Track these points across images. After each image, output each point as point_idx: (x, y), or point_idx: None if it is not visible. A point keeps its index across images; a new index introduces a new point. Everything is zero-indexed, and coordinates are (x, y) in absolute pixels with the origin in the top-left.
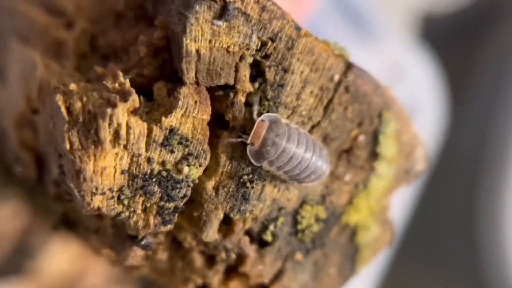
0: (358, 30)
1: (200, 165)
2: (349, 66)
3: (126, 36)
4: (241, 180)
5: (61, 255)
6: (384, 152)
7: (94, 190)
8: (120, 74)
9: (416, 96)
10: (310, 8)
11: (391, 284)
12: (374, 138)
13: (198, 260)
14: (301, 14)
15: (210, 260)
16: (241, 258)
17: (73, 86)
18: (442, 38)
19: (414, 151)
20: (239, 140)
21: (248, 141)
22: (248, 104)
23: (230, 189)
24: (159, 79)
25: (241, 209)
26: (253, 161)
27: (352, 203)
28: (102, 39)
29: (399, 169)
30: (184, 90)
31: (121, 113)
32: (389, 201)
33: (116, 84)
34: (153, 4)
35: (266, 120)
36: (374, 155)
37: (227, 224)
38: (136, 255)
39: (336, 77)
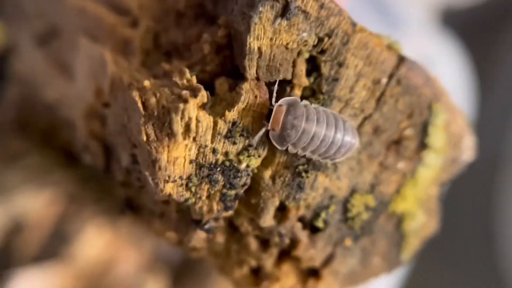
0: (385, 21)
1: (259, 156)
2: (401, 59)
3: (187, 33)
4: (296, 170)
5: (95, 242)
6: (432, 143)
7: (167, 178)
8: (187, 70)
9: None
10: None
11: (411, 283)
12: (423, 129)
13: (253, 243)
14: None
15: (264, 244)
16: (293, 242)
17: (146, 83)
18: (468, 30)
19: (462, 141)
20: (263, 129)
21: (269, 127)
22: (304, 98)
23: (286, 179)
24: (221, 75)
25: (296, 197)
26: (277, 146)
27: (399, 192)
28: (164, 37)
29: (446, 158)
30: (246, 86)
31: (192, 108)
32: (435, 190)
33: (185, 81)
34: (213, 2)
35: (283, 104)
36: (422, 146)
37: (281, 211)
38: (199, 237)
39: (389, 70)
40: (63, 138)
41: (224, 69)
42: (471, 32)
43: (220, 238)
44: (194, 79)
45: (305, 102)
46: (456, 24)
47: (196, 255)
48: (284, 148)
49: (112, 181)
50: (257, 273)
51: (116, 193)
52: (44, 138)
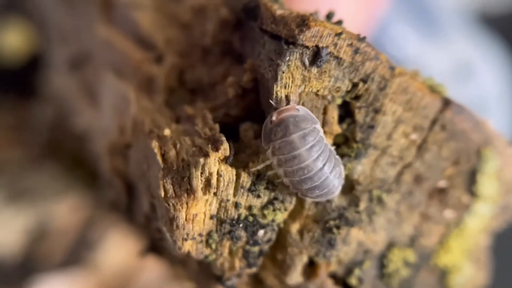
0: (428, 27)
1: (285, 209)
2: (446, 103)
3: (213, 72)
4: (327, 225)
5: (119, 250)
6: (481, 192)
7: (185, 236)
8: (210, 117)
9: (485, 95)
10: (381, 7)
11: None
12: (471, 176)
13: None
14: (371, 14)
15: None
16: None
17: (167, 132)
18: (510, 35)
19: None
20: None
21: (271, 114)
22: (335, 145)
23: (315, 234)
24: (246, 119)
25: (326, 254)
26: (262, 139)
27: (442, 244)
28: (189, 74)
29: (497, 206)
30: None
31: (213, 163)
32: (484, 239)
33: (207, 129)
34: (240, 40)
35: (300, 110)
36: (470, 194)
37: (311, 266)
38: None
39: (432, 116)
40: (90, 166)
41: (250, 113)
42: (510, 37)
43: None
44: (217, 127)
45: (321, 129)
46: (497, 28)
47: None
48: (266, 147)
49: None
50: None
51: (138, 233)
52: (74, 162)
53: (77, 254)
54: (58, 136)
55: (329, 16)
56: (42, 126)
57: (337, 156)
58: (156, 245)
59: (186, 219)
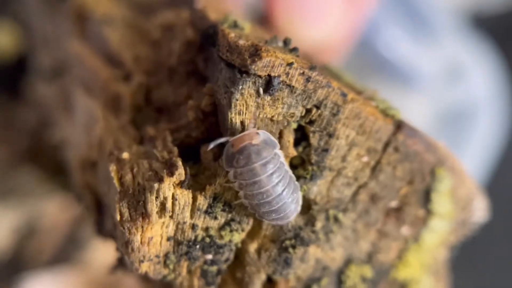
0: (419, 29)
1: (242, 230)
2: (398, 127)
3: (178, 92)
4: (283, 245)
5: (108, 248)
6: (436, 209)
7: (141, 258)
8: (169, 139)
9: (475, 97)
10: (370, 7)
11: None
12: (426, 195)
13: None
14: (361, 14)
15: None
16: None
17: (125, 155)
18: (501, 36)
19: (471, 204)
20: (221, 140)
21: (230, 140)
22: (292, 166)
23: (272, 253)
24: (207, 141)
25: (283, 272)
26: (223, 162)
27: (401, 258)
28: (156, 93)
29: (454, 222)
30: None
31: (167, 187)
32: (443, 253)
33: (165, 153)
34: (204, 61)
35: (260, 136)
36: (426, 212)
37: (270, 283)
38: None
39: (385, 139)
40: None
41: (210, 135)
42: (504, 38)
43: None
44: (175, 151)
45: (280, 153)
46: (489, 30)
47: None
48: (226, 170)
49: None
50: None
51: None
52: (56, 169)
53: (65, 252)
54: (39, 143)
55: (286, 42)
56: (24, 131)
57: (297, 183)
58: (123, 263)
59: (141, 242)
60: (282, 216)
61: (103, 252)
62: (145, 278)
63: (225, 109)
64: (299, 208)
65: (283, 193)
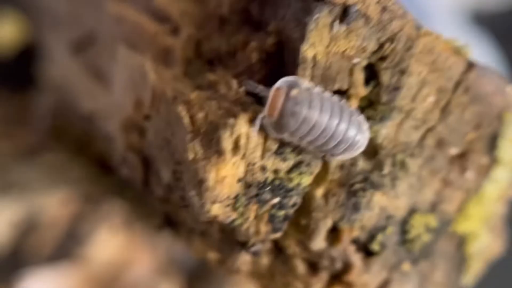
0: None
1: (311, 173)
2: (470, 65)
3: (231, 41)
4: (352, 188)
5: (109, 244)
6: (502, 157)
7: (214, 199)
8: (234, 82)
9: None
10: None
11: None
12: (492, 142)
13: (300, 266)
14: None
15: (313, 267)
16: (346, 266)
17: (193, 96)
18: (501, 34)
19: None
20: (259, 118)
21: (265, 113)
22: (360, 108)
23: (340, 198)
24: (269, 84)
25: (351, 218)
26: (271, 134)
27: (461, 210)
28: (206, 45)
29: None
30: None
31: (242, 124)
32: (501, 208)
33: (233, 93)
34: (259, 7)
35: (283, 86)
36: (490, 160)
37: (333, 232)
38: (244, 260)
39: (456, 77)
40: (98, 149)
41: (273, 79)
42: (505, 37)
43: (265, 260)
44: (242, 91)
45: (307, 84)
46: (490, 28)
47: (238, 275)
48: (279, 137)
49: (148, 194)
50: None
51: (153, 208)
52: (79, 148)
53: (66, 248)
54: (61, 123)
55: None
56: (45, 114)
57: (351, 107)
58: (173, 220)
59: (215, 181)
60: (350, 143)
61: (104, 248)
62: (201, 234)
63: (296, 43)
64: (366, 133)
65: (342, 120)
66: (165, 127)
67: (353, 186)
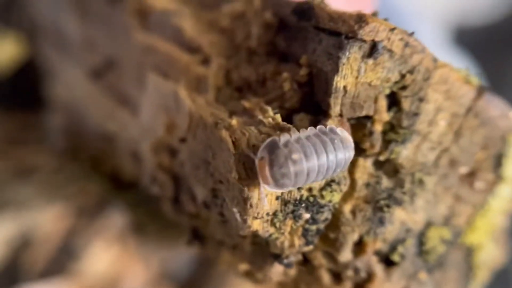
0: None
1: (341, 191)
2: (479, 93)
3: (259, 70)
4: (377, 204)
5: (102, 258)
6: (505, 174)
7: (256, 215)
8: (269, 108)
9: None
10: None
11: None
12: (497, 160)
13: (325, 276)
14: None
15: (337, 277)
16: (368, 276)
17: (234, 122)
18: (481, 49)
19: None
20: (261, 191)
21: (262, 184)
22: (383, 132)
23: (367, 213)
24: (298, 111)
25: (377, 231)
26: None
27: (470, 223)
28: (236, 73)
29: None
30: (330, 122)
31: None
32: (504, 221)
33: (270, 119)
34: (286, 41)
35: (264, 155)
36: (495, 177)
37: (358, 244)
38: (276, 271)
39: (467, 104)
40: (114, 166)
41: (302, 106)
42: (484, 51)
43: (292, 271)
44: (278, 117)
45: (284, 137)
46: (469, 42)
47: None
48: (287, 190)
49: (160, 207)
50: None
51: (176, 221)
52: (94, 165)
53: (60, 263)
54: (75, 142)
55: (374, 15)
56: (56, 132)
57: (329, 132)
58: (200, 234)
59: (258, 199)
60: (345, 162)
61: (98, 262)
62: (232, 247)
63: (328, 75)
64: (351, 145)
65: (328, 152)
66: (203, 150)
67: (378, 203)
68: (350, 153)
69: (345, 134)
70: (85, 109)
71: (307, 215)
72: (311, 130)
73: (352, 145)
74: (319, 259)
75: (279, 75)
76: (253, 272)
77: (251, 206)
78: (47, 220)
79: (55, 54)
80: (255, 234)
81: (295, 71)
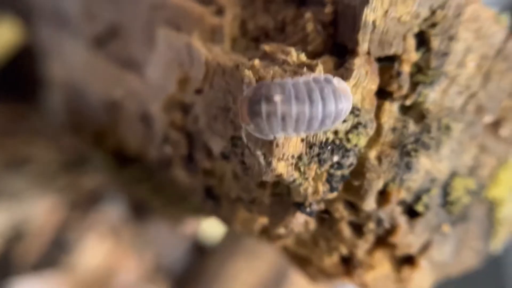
0: None
1: (367, 134)
2: (509, 35)
3: (278, 17)
4: (405, 149)
5: (95, 251)
6: None
7: (281, 156)
8: (292, 49)
9: None
10: None
11: None
12: None
13: (346, 230)
14: None
15: (358, 230)
16: (392, 228)
17: (256, 62)
18: None
19: None
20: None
21: (242, 125)
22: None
23: (393, 159)
24: (321, 54)
25: (403, 178)
26: (263, 137)
27: (492, 177)
28: (252, 23)
29: None
30: (357, 61)
31: None
32: None
33: (294, 58)
34: None
35: (246, 95)
36: None
37: (382, 194)
38: (297, 222)
39: (497, 45)
40: (117, 139)
41: (326, 48)
42: None
43: (312, 225)
44: (303, 56)
45: (273, 81)
46: None
47: (280, 244)
48: (271, 138)
49: (163, 178)
50: (347, 261)
51: (186, 187)
52: (95, 140)
53: (53, 256)
54: (76, 117)
55: None
56: (57, 110)
57: (324, 81)
58: (214, 193)
59: (284, 139)
60: (335, 116)
61: (90, 256)
62: (250, 202)
63: (356, 9)
64: (343, 94)
65: (313, 101)
66: (222, 97)
67: (405, 147)
68: (344, 105)
69: (342, 85)
70: (85, 84)
71: (333, 158)
72: (304, 77)
73: (349, 97)
74: (340, 211)
75: (300, 18)
76: (271, 228)
77: (277, 145)
78: (39, 212)
79: (52, 31)
80: (275, 184)
81: (319, 11)
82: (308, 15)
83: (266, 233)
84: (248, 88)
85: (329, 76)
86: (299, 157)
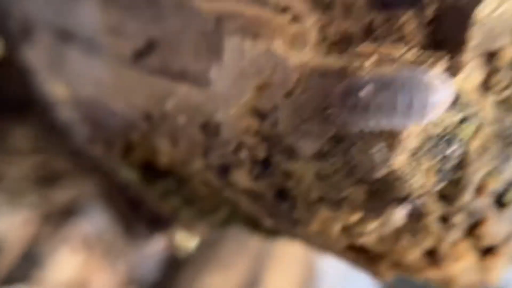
0: None
1: (473, 127)
2: None
3: (363, 21)
4: (506, 140)
5: (67, 265)
6: None
7: (403, 148)
8: (400, 46)
9: None
10: None
11: None
12: None
13: (434, 223)
14: None
15: (446, 224)
16: (480, 219)
17: (368, 62)
18: None
19: None
20: None
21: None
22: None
23: (495, 150)
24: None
25: (501, 169)
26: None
27: None
28: (331, 28)
29: None
30: (464, 58)
31: None
32: None
33: (405, 55)
34: None
35: (350, 91)
36: None
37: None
38: (398, 217)
39: None
40: (147, 152)
41: (426, 47)
42: None
43: (401, 220)
44: (412, 54)
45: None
46: None
47: (362, 240)
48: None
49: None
50: (431, 254)
51: (253, 189)
52: (124, 153)
53: (24, 271)
54: (99, 133)
55: None
56: (79, 128)
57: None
58: (287, 194)
59: (406, 132)
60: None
61: (62, 269)
62: (342, 200)
63: (464, 8)
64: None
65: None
66: (322, 98)
67: (507, 138)
68: (442, 97)
69: (441, 78)
70: (109, 98)
71: (447, 151)
72: (406, 71)
73: (449, 89)
74: (431, 204)
75: (393, 19)
76: (360, 225)
77: (400, 139)
78: (11, 227)
79: (51, 49)
80: (375, 180)
81: (418, 12)
82: (409, 14)
83: (346, 232)
84: (350, 85)
85: (427, 70)
86: (416, 150)
